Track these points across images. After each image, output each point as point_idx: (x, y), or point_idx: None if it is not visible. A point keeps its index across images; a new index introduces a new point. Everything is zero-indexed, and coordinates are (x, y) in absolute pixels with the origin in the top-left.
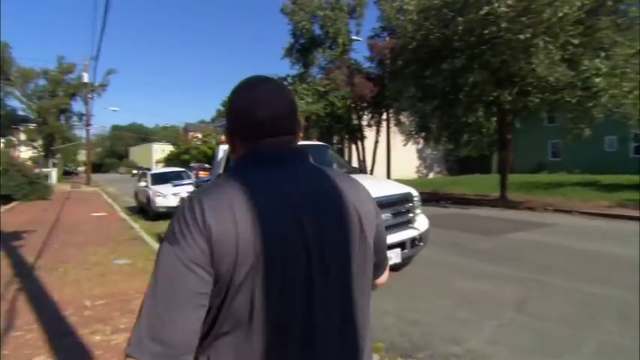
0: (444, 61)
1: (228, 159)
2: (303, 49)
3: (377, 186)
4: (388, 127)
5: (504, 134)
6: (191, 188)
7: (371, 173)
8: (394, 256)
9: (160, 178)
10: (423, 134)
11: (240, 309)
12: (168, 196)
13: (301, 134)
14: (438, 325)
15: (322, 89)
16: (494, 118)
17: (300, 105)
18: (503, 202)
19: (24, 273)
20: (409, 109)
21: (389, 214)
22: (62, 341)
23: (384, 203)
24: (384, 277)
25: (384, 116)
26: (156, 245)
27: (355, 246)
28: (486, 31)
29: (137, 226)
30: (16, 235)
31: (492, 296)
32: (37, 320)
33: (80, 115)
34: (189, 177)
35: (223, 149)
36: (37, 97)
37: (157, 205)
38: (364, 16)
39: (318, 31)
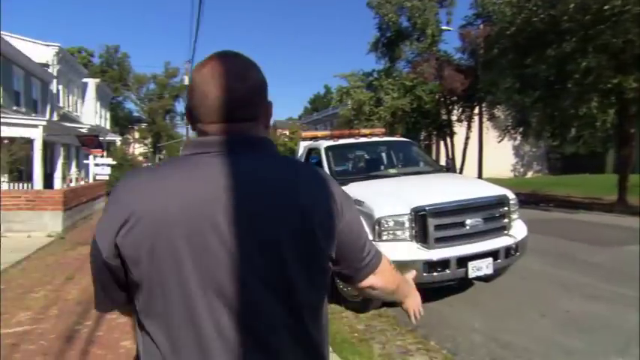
0: (548, 46)
1: (308, 155)
2: (389, 42)
3: (466, 187)
4: (481, 123)
5: (626, 128)
6: None
7: (460, 172)
8: (485, 267)
9: None
10: (521, 129)
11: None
12: None
13: (268, 121)
14: (537, 352)
15: (409, 83)
16: (613, 110)
17: (386, 100)
18: (621, 207)
19: None
20: (505, 102)
21: (479, 219)
22: None
23: (474, 206)
24: (374, 280)
25: (476, 110)
26: None
27: (287, 240)
28: (607, 7)
29: None
30: None
31: (610, 323)
32: None
33: (182, 115)
34: None
35: (304, 145)
36: (148, 99)
37: None
38: (456, 4)
39: (405, 23)
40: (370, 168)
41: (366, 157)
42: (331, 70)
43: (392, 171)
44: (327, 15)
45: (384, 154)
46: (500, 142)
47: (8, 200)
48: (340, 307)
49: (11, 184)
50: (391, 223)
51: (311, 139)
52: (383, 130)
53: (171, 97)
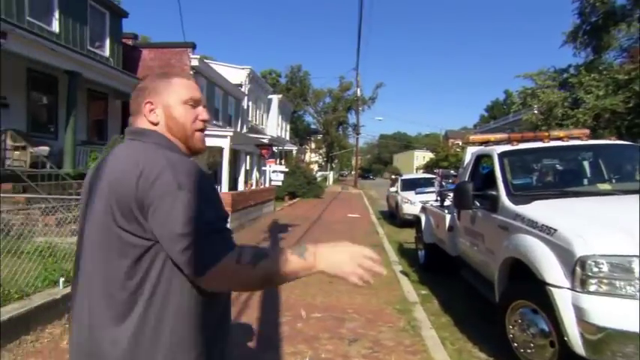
0: None
1: (476, 164)
2: (594, 29)
3: None
4: None
5: None
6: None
7: None
8: None
9: (410, 184)
10: None
11: None
12: (415, 203)
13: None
14: None
15: (623, 77)
16: None
17: (587, 100)
18: None
19: None
20: None
21: None
22: (262, 355)
23: None
24: (212, 283)
25: None
26: (394, 256)
27: (94, 211)
28: None
29: (382, 231)
30: (285, 228)
31: None
32: (258, 319)
33: (354, 126)
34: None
35: (472, 152)
36: (324, 112)
37: (404, 211)
38: None
39: (621, 1)
40: (566, 181)
41: (560, 166)
42: (512, 71)
43: (603, 187)
44: (506, 14)
45: (588, 164)
46: None
47: None
48: None
49: None
50: (606, 268)
51: (481, 144)
52: (586, 131)
53: (345, 109)
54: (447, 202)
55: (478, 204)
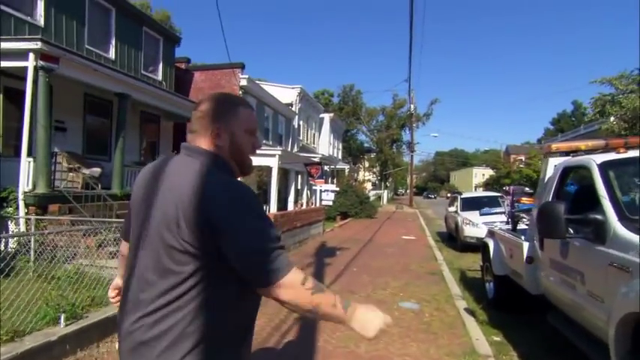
0: None
1: (563, 178)
2: None
3: None
4: None
5: None
6: (503, 218)
7: None
8: None
9: (472, 204)
10: None
11: None
12: (479, 225)
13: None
14: None
15: None
16: None
17: None
18: None
19: None
20: None
21: None
22: None
23: None
24: (278, 291)
25: None
26: (456, 288)
27: (159, 224)
28: None
29: (441, 256)
30: (333, 252)
31: None
32: None
33: (407, 143)
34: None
35: (555, 163)
36: (377, 130)
37: (465, 234)
38: None
39: None
40: None
41: None
42: (580, 81)
43: None
44: (569, 23)
45: None
46: None
47: None
48: None
49: None
50: None
51: (567, 153)
52: None
53: (399, 127)
54: (521, 225)
55: (572, 231)
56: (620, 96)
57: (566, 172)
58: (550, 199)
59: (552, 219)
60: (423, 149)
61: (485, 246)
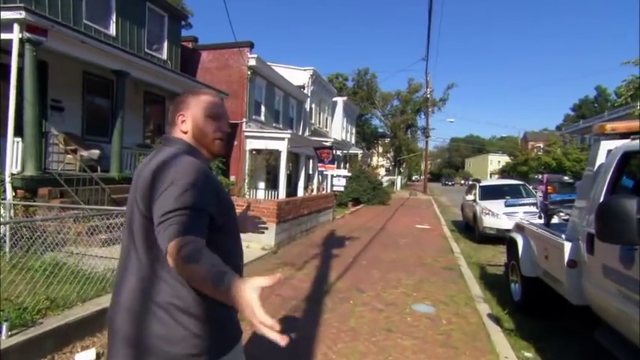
0: None
1: (622, 164)
2: None
3: None
4: None
5: None
6: (532, 210)
7: None
8: None
9: (491, 192)
10: None
11: None
12: (499, 216)
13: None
14: None
15: None
16: None
17: None
18: None
19: (315, 298)
20: None
21: None
22: None
23: None
24: (167, 258)
25: None
26: (476, 287)
27: (131, 204)
28: None
29: (458, 248)
30: (342, 242)
31: None
32: None
33: (422, 129)
34: (529, 193)
35: (609, 147)
36: (391, 115)
37: (485, 224)
38: None
39: None
40: None
41: None
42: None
43: None
44: (592, 8)
45: None
46: None
47: None
48: None
49: (267, 191)
50: None
51: (622, 135)
52: None
53: (414, 112)
54: (555, 220)
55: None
56: None
57: (627, 157)
58: (604, 193)
59: (618, 219)
60: (438, 135)
61: (512, 242)
